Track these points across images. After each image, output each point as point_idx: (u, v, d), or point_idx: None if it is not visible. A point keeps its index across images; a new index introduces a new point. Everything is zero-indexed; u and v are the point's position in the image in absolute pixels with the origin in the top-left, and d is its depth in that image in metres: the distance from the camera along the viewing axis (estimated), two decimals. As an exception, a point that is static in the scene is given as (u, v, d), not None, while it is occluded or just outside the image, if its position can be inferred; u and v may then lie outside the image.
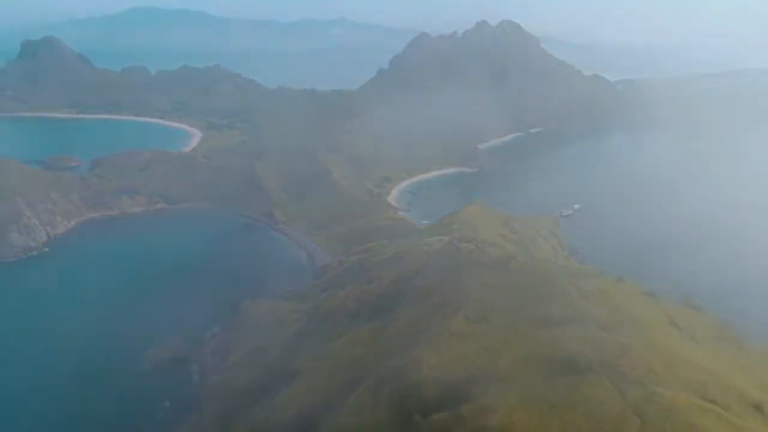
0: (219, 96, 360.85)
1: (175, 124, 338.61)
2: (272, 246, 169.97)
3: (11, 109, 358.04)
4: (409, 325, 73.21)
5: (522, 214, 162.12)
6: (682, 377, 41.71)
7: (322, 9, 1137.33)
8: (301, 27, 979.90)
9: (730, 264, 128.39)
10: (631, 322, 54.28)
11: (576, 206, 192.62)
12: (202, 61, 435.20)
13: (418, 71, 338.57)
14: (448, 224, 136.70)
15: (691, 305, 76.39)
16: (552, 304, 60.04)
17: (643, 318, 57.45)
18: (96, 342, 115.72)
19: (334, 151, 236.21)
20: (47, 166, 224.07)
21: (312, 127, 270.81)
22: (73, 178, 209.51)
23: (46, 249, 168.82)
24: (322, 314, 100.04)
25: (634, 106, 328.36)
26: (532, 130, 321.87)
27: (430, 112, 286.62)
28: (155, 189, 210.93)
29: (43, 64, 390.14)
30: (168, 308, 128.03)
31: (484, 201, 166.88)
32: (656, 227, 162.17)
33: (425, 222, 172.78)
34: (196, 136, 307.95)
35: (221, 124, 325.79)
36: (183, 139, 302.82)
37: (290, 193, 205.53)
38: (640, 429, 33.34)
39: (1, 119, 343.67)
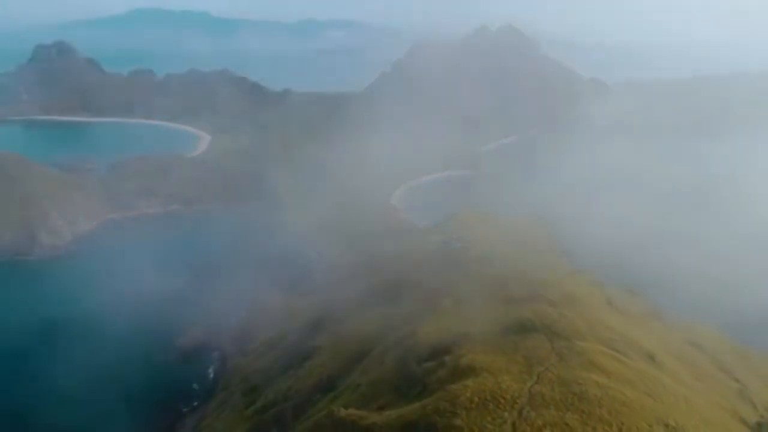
0: (226, 99, 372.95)
1: (184, 127, 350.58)
2: (281, 245, 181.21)
3: (25, 112, 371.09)
4: (408, 309, 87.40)
5: (519, 215, 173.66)
6: (598, 335, 56.61)
7: (324, 9, 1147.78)
8: (303, 28, 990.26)
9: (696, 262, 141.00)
10: (574, 301, 68.94)
11: (572, 208, 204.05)
12: (206, 62, 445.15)
13: (420, 75, 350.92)
14: (445, 225, 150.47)
15: (630, 291, 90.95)
16: (516, 288, 74.98)
17: (585, 298, 72.13)
18: (126, 333, 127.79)
19: (338, 153, 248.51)
20: (63, 168, 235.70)
21: (317, 130, 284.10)
22: (92, 181, 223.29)
23: (73, 248, 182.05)
24: (332, 306, 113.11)
25: (633, 108, 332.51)
26: (531, 133, 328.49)
27: (431, 115, 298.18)
28: (170, 191, 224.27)
29: (54, 68, 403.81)
30: (187, 302, 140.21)
31: (483, 203, 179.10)
32: (646, 229, 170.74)
33: (425, 223, 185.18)
34: (204, 139, 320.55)
35: (229, 127, 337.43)
36: (192, 141, 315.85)
37: (297, 194, 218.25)
38: (557, 362, 48.00)
39: (15, 122, 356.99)
